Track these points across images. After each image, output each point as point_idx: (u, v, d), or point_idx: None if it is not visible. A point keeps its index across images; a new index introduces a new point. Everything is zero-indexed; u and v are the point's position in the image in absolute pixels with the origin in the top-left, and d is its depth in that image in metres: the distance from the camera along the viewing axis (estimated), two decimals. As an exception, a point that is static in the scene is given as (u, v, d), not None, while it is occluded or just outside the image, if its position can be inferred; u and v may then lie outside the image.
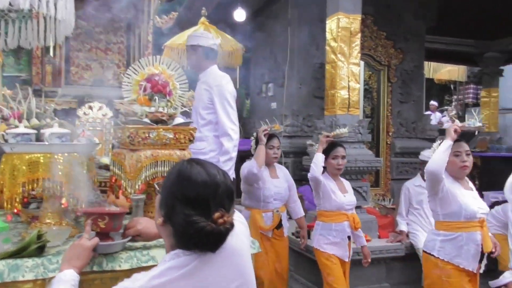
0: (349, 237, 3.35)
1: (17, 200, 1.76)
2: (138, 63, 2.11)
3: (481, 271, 2.81)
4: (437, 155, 2.66)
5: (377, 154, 6.18)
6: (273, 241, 3.46)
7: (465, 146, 2.80)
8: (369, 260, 3.48)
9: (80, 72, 4.00)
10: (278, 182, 3.53)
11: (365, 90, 6.38)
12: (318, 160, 3.29)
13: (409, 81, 6.52)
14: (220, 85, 3.09)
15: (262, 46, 7.30)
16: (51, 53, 3.72)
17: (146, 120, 1.99)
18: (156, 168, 1.95)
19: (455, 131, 2.70)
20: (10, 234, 1.73)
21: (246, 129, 7.14)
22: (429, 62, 10.89)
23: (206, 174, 1.19)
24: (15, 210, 1.82)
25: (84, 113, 2.83)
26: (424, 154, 4.07)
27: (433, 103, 12.56)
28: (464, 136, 2.78)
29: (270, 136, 3.49)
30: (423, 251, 2.93)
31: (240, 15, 6.58)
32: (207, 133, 3.13)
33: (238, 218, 1.35)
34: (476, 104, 12.32)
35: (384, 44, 6.40)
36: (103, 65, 4.10)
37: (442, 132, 8.43)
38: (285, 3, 6.35)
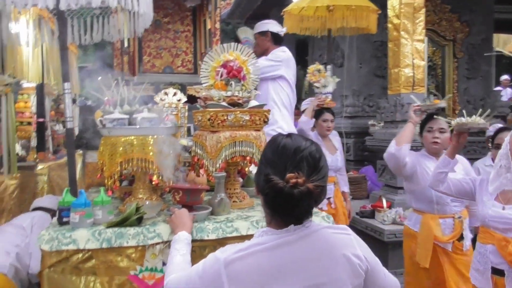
0: (497, 270, 2.22)
1: (116, 177, 1.99)
2: (214, 50, 2.25)
3: None
4: None
5: (443, 133, 6.02)
6: (452, 256, 2.65)
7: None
8: None
9: (152, 61, 4.28)
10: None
11: (428, 67, 6.20)
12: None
13: (477, 55, 6.26)
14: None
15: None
16: (126, 44, 4.01)
17: (224, 103, 2.14)
18: (234, 148, 2.12)
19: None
20: (111, 207, 1.97)
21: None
22: (498, 34, 10.26)
23: (291, 140, 1.22)
24: (114, 186, 2.04)
25: (161, 99, 3.02)
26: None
27: (506, 77, 11.81)
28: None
29: (429, 116, 2.79)
30: None
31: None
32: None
33: (344, 231, 1.30)
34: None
35: (448, 18, 6.17)
36: (172, 53, 4.35)
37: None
38: (344, -18, 6.27)
